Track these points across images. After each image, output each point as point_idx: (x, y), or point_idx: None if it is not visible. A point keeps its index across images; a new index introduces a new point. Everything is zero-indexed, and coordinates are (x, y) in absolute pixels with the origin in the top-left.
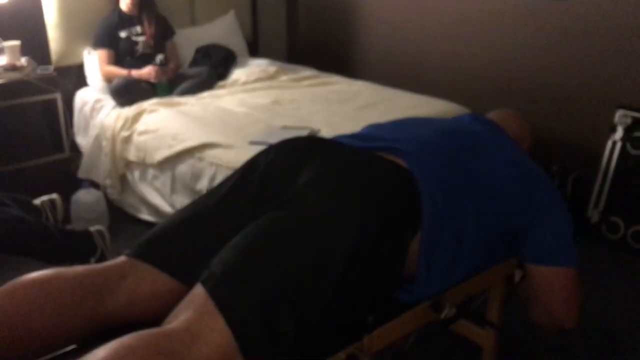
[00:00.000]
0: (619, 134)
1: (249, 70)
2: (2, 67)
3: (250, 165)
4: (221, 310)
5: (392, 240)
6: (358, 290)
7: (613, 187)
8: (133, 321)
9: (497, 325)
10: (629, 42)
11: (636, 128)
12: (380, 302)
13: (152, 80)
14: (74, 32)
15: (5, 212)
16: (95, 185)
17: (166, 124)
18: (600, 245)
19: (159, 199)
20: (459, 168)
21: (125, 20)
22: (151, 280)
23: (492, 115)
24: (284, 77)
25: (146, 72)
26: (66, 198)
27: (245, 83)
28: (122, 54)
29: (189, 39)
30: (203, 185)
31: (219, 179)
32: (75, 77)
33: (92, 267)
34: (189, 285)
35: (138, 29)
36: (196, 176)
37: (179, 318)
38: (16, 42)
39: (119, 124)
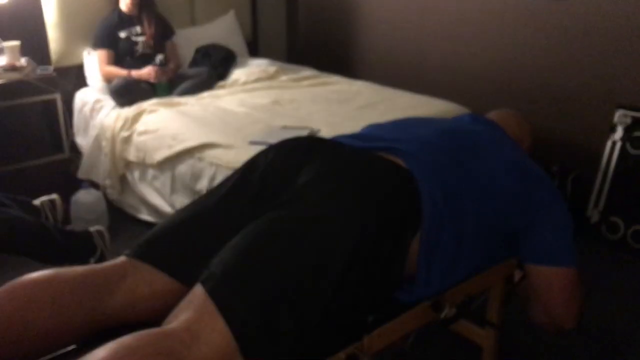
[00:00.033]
0: (618, 133)
1: (248, 70)
2: (1, 67)
3: (250, 165)
4: (221, 310)
5: (392, 240)
6: (358, 290)
7: (613, 187)
8: (133, 321)
9: (497, 325)
10: (629, 42)
11: (636, 128)
12: (380, 302)
13: (152, 80)
14: (74, 33)
15: (5, 212)
16: (95, 185)
17: (166, 124)
18: (600, 245)
19: (159, 199)
20: (459, 168)
21: (125, 21)
22: (151, 280)
23: (492, 115)
24: (283, 77)
25: (146, 72)
26: (66, 198)
27: (245, 83)
28: (122, 54)
29: (189, 39)
30: (203, 185)
31: (219, 179)
32: (75, 77)
33: (91, 267)
34: (189, 286)
35: (138, 29)
36: (196, 176)
37: (179, 318)
38: (16, 43)
39: (119, 124)
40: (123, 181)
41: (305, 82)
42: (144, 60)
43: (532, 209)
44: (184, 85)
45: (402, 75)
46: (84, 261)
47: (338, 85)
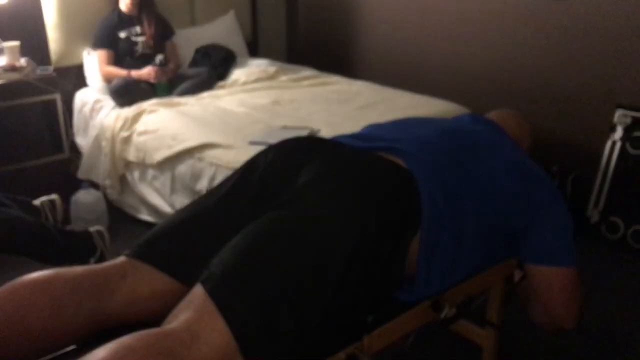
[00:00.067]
0: (618, 133)
1: (248, 71)
2: (1, 67)
3: (250, 165)
4: (221, 310)
5: (392, 240)
6: (358, 290)
7: (613, 187)
8: (133, 321)
9: (497, 325)
10: (628, 42)
11: (636, 128)
12: (380, 302)
13: (152, 80)
14: (74, 33)
15: (5, 212)
16: (94, 185)
17: (166, 124)
18: (600, 245)
19: (159, 199)
20: (459, 168)
21: (124, 21)
22: (151, 280)
23: (492, 115)
24: (283, 77)
25: (146, 72)
26: (66, 198)
27: (245, 83)
28: (122, 55)
29: (189, 39)
30: (203, 185)
31: (219, 179)
32: (75, 77)
33: (91, 267)
34: (189, 286)
35: (138, 29)
36: (196, 176)
37: (179, 318)
38: (16, 43)
39: (119, 124)
40: (123, 181)
41: (305, 82)
42: (144, 60)
43: (532, 209)
44: (183, 86)
45: (402, 75)
46: (83, 261)
47: (338, 85)
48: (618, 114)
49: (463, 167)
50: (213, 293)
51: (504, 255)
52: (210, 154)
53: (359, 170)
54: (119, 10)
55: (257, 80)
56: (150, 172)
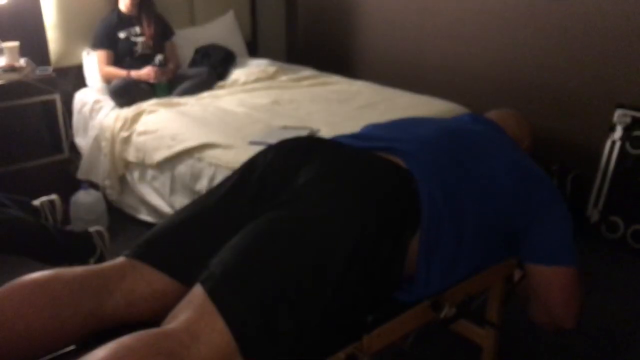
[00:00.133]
0: (618, 133)
1: (248, 71)
2: (1, 68)
3: (250, 165)
4: (220, 310)
5: (391, 240)
6: (358, 290)
7: (612, 187)
8: (132, 321)
9: (496, 325)
10: (628, 42)
11: (635, 127)
12: (380, 302)
13: (151, 80)
14: (73, 33)
15: (5, 212)
16: (94, 186)
17: (165, 124)
18: (599, 245)
19: (159, 199)
20: (459, 168)
21: (124, 21)
22: (150, 280)
23: (492, 115)
24: (283, 77)
25: (145, 72)
26: (65, 199)
27: (244, 83)
28: (121, 55)
29: (188, 39)
30: (202, 185)
31: (219, 179)
32: (75, 78)
33: (91, 267)
34: (189, 286)
35: (137, 29)
36: (195, 176)
37: (179, 318)
38: (15, 43)
39: (118, 124)
40: (122, 181)
41: (305, 82)
42: (144, 60)
43: (532, 209)
44: (183, 86)
45: (402, 75)
46: (83, 261)
47: (338, 85)
48: (618, 114)
49: (463, 166)
50: (212, 293)
51: (504, 255)
52: (209, 154)
53: (358, 170)
54: (119, 11)
55: (256, 80)
56: (150, 173)
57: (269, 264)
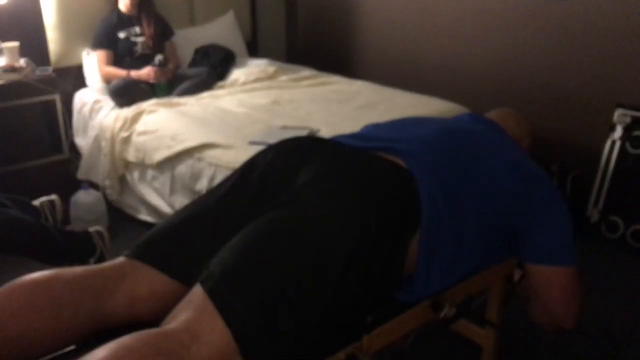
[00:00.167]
0: (618, 133)
1: (248, 71)
2: (1, 68)
3: (250, 165)
4: (220, 310)
5: (391, 240)
6: (357, 290)
7: (612, 186)
8: (132, 321)
9: (496, 325)
10: (628, 42)
11: (635, 127)
12: (380, 302)
13: (151, 80)
14: (73, 33)
15: (5, 213)
16: (94, 186)
17: (165, 124)
18: (599, 245)
19: (158, 199)
20: (459, 168)
21: (124, 21)
22: (150, 280)
23: (492, 114)
24: (283, 77)
25: (145, 72)
26: (65, 199)
27: (244, 83)
28: (121, 55)
29: (188, 39)
30: (202, 185)
31: (219, 179)
32: (74, 78)
33: (91, 267)
34: (188, 286)
35: (137, 29)
36: (195, 176)
37: (178, 318)
38: (15, 43)
39: (118, 124)
40: (122, 181)
41: (305, 82)
42: (143, 60)
43: (532, 209)
44: (183, 86)
45: (402, 75)
46: (83, 261)
47: (338, 85)
48: (618, 114)
49: (463, 166)
50: (212, 293)
51: (504, 255)
52: (209, 154)
53: (358, 170)
54: (119, 11)
55: (256, 80)
56: (150, 173)
57: (268, 264)
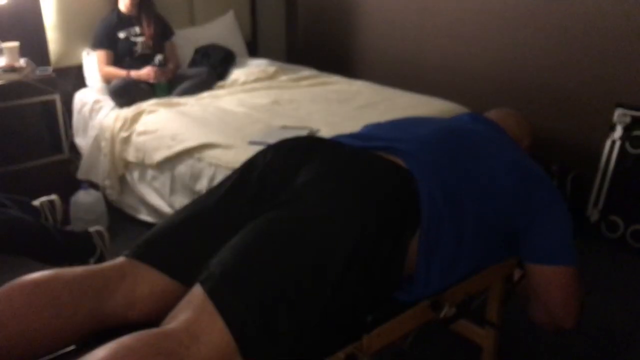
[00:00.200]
0: (618, 132)
1: (248, 71)
2: (1, 68)
3: (249, 165)
4: (220, 310)
5: (391, 240)
6: (357, 290)
7: (612, 186)
8: (132, 321)
9: (496, 324)
10: (628, 42)
11: (635, 127)
12: (380, 301)
13: (151, 80)
14: (73, 33)
15: (5, 213)
16: (94, 186)
17: (165, 124)
18: (599, 244)
19: (158, 199)
20: (459, 168)
21: (124, 21)
22: (150, 280)
23: (492, 114)
24: (283, 77)
25: (145, 72)
26: (65, 199)
27: (244, 83)
28: (121, 55)
29: (188, 39)
30: (202, 185)
31: (218, 179)
32: (74, 78)
33: (91, 267)
34: (188, 286)
35: (137, 29)
36: (195, 176)
37: (178, 318)
38: (15, 43)
39: (118, 124)
40: (122, 181)
41: (305, 82)
42: (143, 60)
43: (532, 208)
44: (183, 86)
45: (402, 75)
46: (83, 261)
47: (338, 85)
48: (618, 113)
49: (463, 166)
50: (212, 293)
51: (504, 255)
52: (209, 154)
53: (358, 170)
54: (118, 11)
55: (256, 80)
56: (150, 173)
57: (268, 264)
